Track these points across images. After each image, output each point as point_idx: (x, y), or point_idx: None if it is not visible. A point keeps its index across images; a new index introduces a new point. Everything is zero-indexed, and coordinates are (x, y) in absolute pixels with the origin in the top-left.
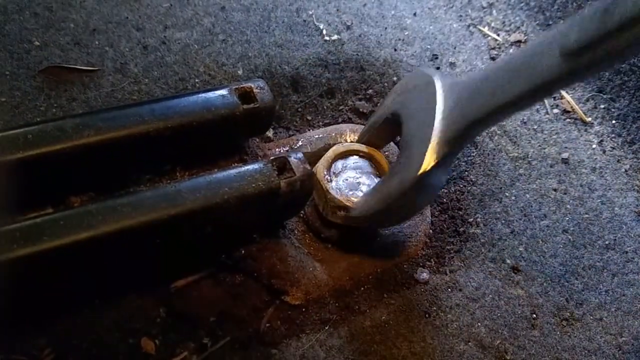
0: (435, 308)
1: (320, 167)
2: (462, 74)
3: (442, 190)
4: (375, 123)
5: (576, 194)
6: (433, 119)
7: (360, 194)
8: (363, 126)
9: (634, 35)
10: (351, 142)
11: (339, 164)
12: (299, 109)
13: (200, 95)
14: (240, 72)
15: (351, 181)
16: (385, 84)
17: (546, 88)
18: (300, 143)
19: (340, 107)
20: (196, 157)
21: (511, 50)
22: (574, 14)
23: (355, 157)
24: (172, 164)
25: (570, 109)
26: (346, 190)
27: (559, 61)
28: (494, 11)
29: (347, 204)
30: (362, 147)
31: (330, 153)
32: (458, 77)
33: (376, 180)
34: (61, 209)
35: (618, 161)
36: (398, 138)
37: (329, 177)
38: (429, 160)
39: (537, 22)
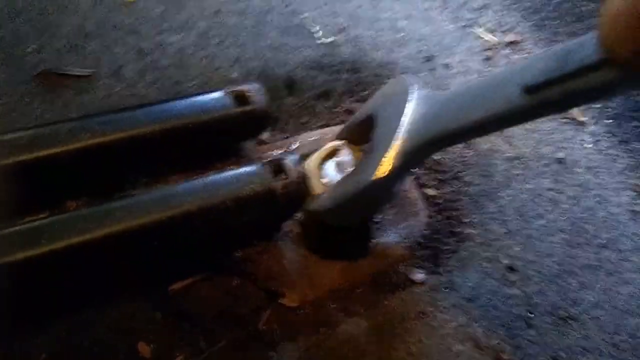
0: (431, 309)
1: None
2: (457, 75)
3: (438, 190)
4: (354, 120)
5: (571, 194)
6: (397, 130)
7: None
8: None
9: (586, 83)
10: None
11: (329, 174)
12: (294, 112)
13: (195, 98)
14: (235, 75)
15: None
16: (381, 86)
17: (501, 119)
18: (295, 145)
19: (336, 110)
20: (192, 160)
21: (506, 51)
22: (544, 50)
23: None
24: (168, 167)
25: None
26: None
27: (517, 94)
28: (489, 12)
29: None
30: (327, 150)
31: (314, 172)
32: (433, 92)
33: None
34: (58, 213)
35: (613, 160)
36: None
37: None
38: (385, 167)
39: (532, 22)
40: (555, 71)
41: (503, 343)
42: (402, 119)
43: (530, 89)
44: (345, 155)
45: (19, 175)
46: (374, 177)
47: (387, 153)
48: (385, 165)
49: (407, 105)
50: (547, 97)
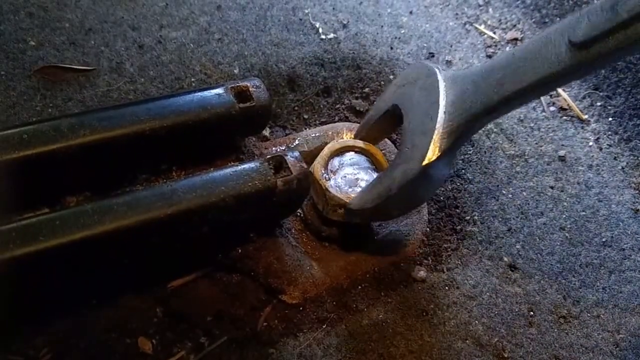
0: (432, 306)
1: (317, 166)
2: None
3: (439, 188)
4: (374, 116)
5: (573, 192)
6: (437, 111)
7: (359, 189)
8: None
9: None
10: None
11: (336, 161)
12: (296, 108)
13: (196, 94)
14: (236, 71)
15: (350, 178)
16: (382, 82)
17: (555, 79)
18: (296, 142)
19: (337, 106)
20: (192, 157)
21: (507, 48)
22: (582, 7)
23: (352, 153)
24: (168, 163)
25: (566, 107)
26: (345, 187)
27: (567, 53)
28: (490, 9)
29: (347, 200)
30: (358, 143)
31: (325, 151)
32: (458, 71)
33: (374, 175)
34: (57, 209)
35: (615, 158)
36: (394, 134)
37: (327, 176)
38: (433, 151)
39: (534, 19)
40: (606, 22)
41: (504, 341)
42: (440, 101)
43: (581, 45)
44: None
45: (19, 170)
46: (425, 162)
47: (434, 136)
48: (435, 148)
49: (439, 87)
50: (599, 51)
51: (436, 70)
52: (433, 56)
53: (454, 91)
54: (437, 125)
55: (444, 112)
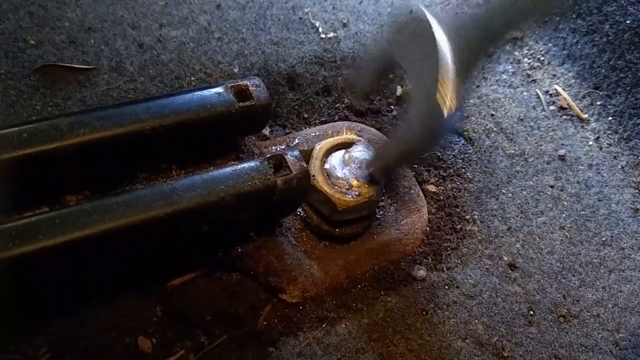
0: (432, 305)
1: (316, 175)
2: None
3: (439, 187)
4: (368, 66)
5: (573, 191)
6: (447, 60)
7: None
8: (360, 124)
9: None
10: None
11: (333, 161)
12: (296, 107)
13: (196, 93)
14: (236, 70)
15: (356, 172)
16: (381, 81)
17: None
18: (296, 141)
19: (337, 105)
20: (192, 155)
21: (507, 47)
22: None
23: (342, 150)
24: (168, 162)
25: (566, 106)
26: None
27: None
28: None
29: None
30: (343, 139)
31: (319, 153)
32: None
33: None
34: (57, 207)
35: (615, 158)
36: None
37: (329, 181)
38: (451, 99)
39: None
40: None
41: (504, 340)
42: (446, 49)
43: None
44: (357, 152)
45: (19, 169)
46: (446, 113)
47: (448, 85)
48: (451, 96)
49: (440, 37)
50: None
51: (430, 19)
52: None
53: (455, 36)
54: (450, 74)
55: (453, 59)
